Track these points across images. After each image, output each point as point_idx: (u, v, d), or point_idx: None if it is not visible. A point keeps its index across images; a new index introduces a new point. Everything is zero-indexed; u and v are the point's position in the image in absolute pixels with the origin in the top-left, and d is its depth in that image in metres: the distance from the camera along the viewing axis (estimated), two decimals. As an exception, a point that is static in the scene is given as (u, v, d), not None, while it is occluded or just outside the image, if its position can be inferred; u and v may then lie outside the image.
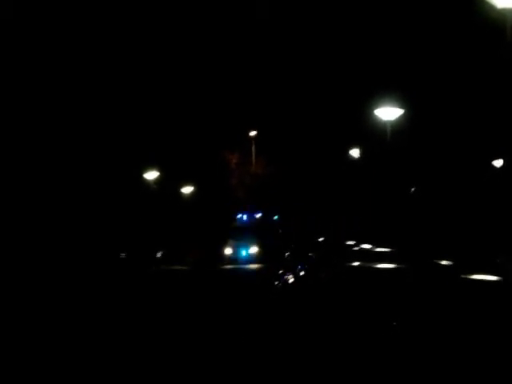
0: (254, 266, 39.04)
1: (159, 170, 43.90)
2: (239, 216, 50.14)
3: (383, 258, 10.50)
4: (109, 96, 40.11)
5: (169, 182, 49.30)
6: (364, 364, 8.84)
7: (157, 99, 48.95)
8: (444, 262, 10.01)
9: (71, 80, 36.05)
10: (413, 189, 41.21)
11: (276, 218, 53.37)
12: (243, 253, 44.20)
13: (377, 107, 29.20)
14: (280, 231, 45.96)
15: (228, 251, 44.59)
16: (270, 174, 59.72)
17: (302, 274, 10.56)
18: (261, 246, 43.96)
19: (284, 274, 11.50)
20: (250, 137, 61.78)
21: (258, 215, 50.91)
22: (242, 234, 44.87)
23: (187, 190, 53.60)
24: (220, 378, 11.30)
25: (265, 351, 10.07)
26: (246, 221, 48.94)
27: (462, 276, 9.53)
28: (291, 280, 10.92)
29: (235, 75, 54.94)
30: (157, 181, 44.30)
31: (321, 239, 34.12)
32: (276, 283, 11.31)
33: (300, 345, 9.26)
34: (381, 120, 29.51)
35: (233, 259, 43.40)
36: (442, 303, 9.10)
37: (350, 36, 45.14)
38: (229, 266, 39.44)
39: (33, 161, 32.23)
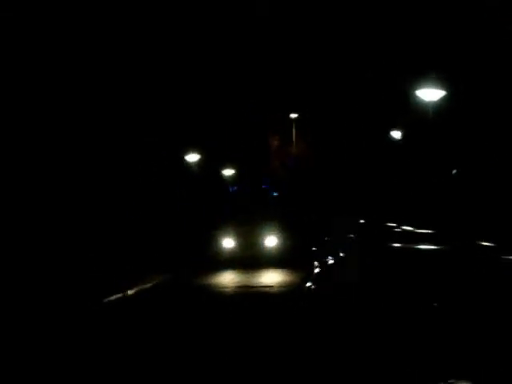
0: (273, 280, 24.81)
1: (200, 153, 43.98)
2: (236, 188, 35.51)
3: (424, 239, 10.46)
4: (149, 80, 40.32)
5: (210, 165, 49.49)
6: (405, 344, 8.88)
7: (198, 83, 49.13)
8: (486, 243, 9.95)
9: (113, 65, 36.27)
10: (454, 171, 40.89)
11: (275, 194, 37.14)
12: (255, 246, 29.57)
13: (419, 88, 29.01)
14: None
15: (228, 243, 30.07)
16: (311, 155, 59.73)
17: (341, 255, 10.58)
18: (286, 236, 29.93)
19: (324, 255, 11.52)
20: (291, 119, 61.76)
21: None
22: (252, 215, 30.09)
23: (228, 172, 53.79)
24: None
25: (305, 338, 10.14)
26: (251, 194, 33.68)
27: (504, 257, 9.48)
28: (331, 262, 10.95)
29: (277, 59, 55.05)
30: (198, 163, 44.36)
31: (361, 221, 33.91)
32: (315, 264, 11.35)
33: (345, 326, 9.31)
34: (423, 101, 29.31)
35: (234, 257, 29.61)
36: (484, 284, 9.09)
37: (393, 18, 44.85)
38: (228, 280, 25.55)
39: (70, 147, 32.28)
